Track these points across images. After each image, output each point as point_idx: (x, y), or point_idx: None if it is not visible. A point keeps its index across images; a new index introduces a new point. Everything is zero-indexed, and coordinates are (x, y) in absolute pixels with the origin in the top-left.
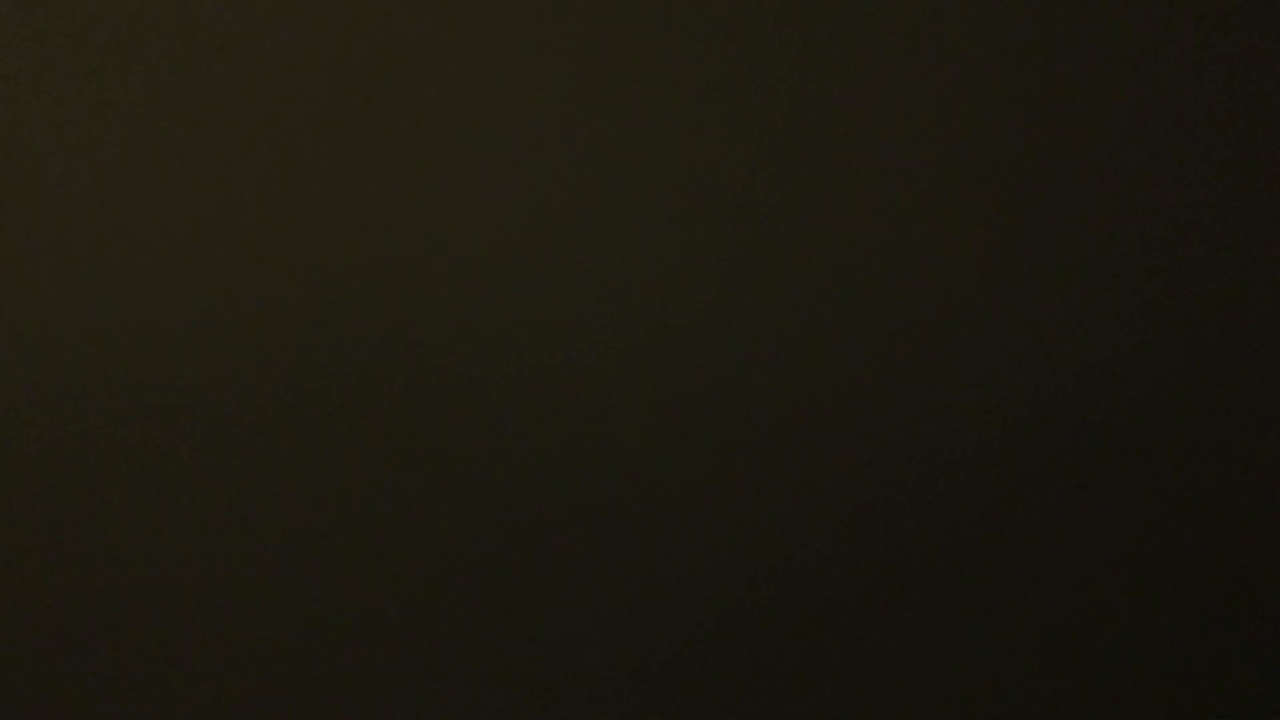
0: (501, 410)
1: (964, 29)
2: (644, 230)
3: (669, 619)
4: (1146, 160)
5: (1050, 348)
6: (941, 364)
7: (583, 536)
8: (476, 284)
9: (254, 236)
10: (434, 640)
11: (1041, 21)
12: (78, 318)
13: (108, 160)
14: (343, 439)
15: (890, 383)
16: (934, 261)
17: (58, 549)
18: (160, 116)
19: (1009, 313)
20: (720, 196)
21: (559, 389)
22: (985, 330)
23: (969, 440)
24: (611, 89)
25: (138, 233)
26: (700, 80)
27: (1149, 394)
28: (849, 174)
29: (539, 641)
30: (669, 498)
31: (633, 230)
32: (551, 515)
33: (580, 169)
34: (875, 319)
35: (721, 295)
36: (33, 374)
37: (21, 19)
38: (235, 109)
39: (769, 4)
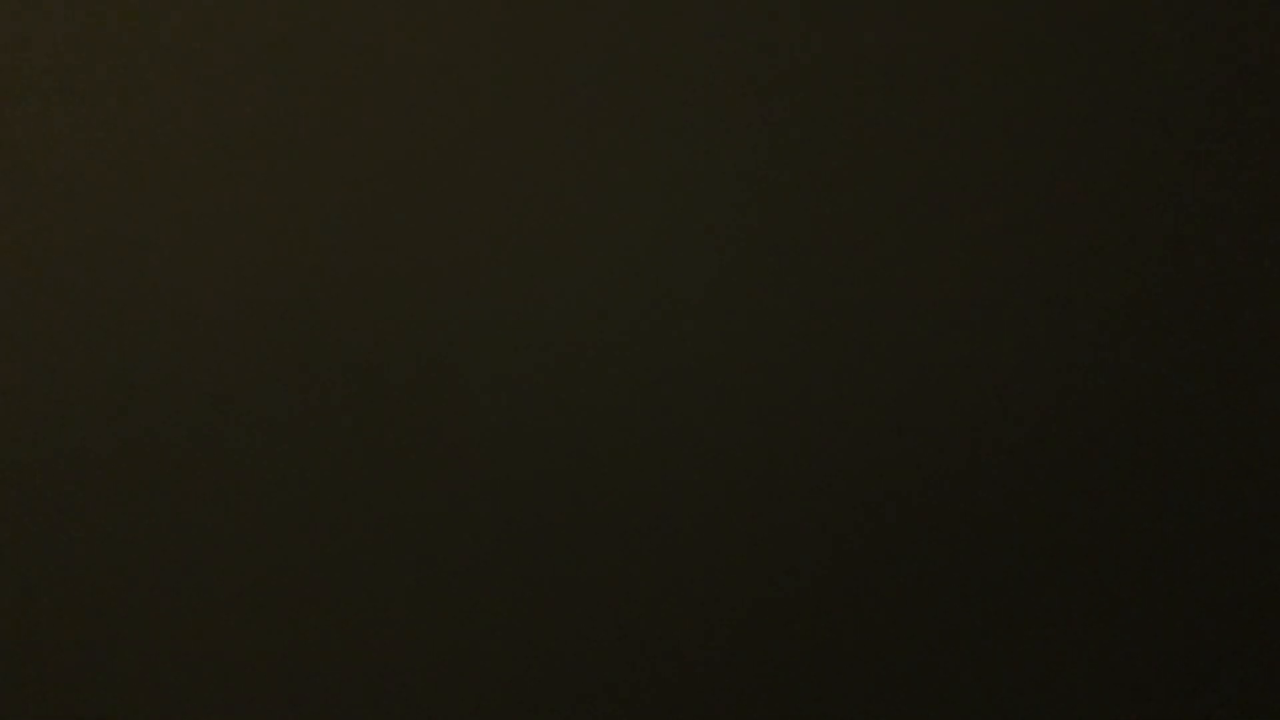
0: (504, 409)
1: (969, 30)
2: (645, 229)
3: (671, 616)
4: (1148, 164)
5: (1052, 350)
6: (941, 366)
7: (584, 535)
8: (479, 282)
9: (256, 234)
10: (435, 638)
11: (1043, 22)
12: (78, 316)
13: (112, 159)
14: (345, 437)
15: (894, 383)
16: (935, 263)
17: (58, 547)
18: (163, 114)
19: (1008, 315)
20: (721, 196)
21: (562, 388)
22: (985, 333)
23: (968, 443)
24: (612, 87)
25: (140, 231)
26: (700, 79)
27: (1148, 398)
28: (850, 175)
29: (541, 641)
30: (672, 496)
31: (634, 229)
32: (553, 514)
33: (581, 167)
34: (881, 321)
35: (724, 295)
36: (34, 373)
37: (22, 19)
38: (237, 107)
39: (769, 3)
